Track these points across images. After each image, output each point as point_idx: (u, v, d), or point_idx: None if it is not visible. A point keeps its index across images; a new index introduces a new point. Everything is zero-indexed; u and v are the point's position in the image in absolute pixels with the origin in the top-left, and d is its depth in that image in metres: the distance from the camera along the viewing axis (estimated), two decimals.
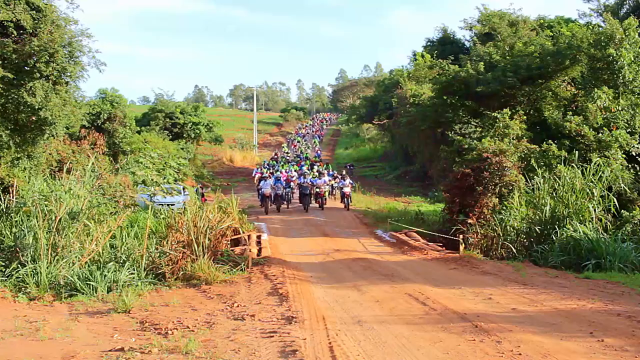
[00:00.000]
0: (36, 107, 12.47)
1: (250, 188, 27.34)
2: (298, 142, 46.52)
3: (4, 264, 8.29)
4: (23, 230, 8.82)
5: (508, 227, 11.92)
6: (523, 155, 14.48)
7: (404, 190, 27.67)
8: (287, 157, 38.19)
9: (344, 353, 4.91)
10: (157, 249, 9.25)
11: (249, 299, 7.44)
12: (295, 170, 28.65)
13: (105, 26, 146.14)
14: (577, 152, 13.41)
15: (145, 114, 36.11)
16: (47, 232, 8.45)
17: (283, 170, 27.32)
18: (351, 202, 21.90)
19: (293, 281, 8.65)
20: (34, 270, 8.10)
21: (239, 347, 5.19)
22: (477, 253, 11.65)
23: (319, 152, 40.69)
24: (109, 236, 9.11)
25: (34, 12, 12.64)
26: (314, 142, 46.91)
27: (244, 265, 9.68)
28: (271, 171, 28.74)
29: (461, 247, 11.82)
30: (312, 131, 59.26)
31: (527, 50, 17.76)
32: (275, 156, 38.47)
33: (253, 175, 29.20)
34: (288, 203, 22.58)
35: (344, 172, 27.10)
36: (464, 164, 14.43)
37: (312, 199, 21.75)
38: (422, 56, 27.94)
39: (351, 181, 23.03)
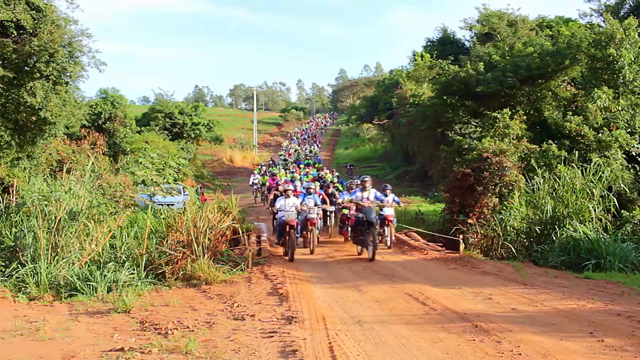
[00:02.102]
0: (36, 107, 12.50)
1: (250, 189, 27.15)
2: (296, 150, 42.33)
3: (4, 264, 8.29)
4: (23, 230, 8.82)
5: (508, 227, 11.92)
6: (523, 155, 14.49)
7: (404, 190, 27.66)
8: (284, 164, 32.64)
9: (344, 353, 4.91)
10: (157, 249, 9.25)
11: (249, 299, 7.44)
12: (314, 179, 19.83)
13: (104, 26, 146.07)
14: (577, 152, 13.41)
15: (145, 114, 36.16)
16: (47, 232, 8.45)
17: (285, 178, 20.33)
18: (395, 236, 13.12)
19: (293, 281, 8.65)
20: (34, 270, 8.10)
21: (239, 347, 5.19)
22: (477, 253, 11.64)
23: (318, 156, 39.04)
24: (108, 236, 9.11)
25: (34, 12, 12.67)
26: (312, 150, 42.87)
27: (244, 265, 9.68)
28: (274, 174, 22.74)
29: (461, 247, 11.82)
30: (309, 136, 55.34)
31: (526, 50, 17.77)
32: (272, 161, 34.04)
33: (250, 184, 25.65)
34: (329, 231, 14.99)
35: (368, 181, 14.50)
36: (464, 164, 14.43)
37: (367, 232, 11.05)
38: (422, 56, 28.00)
39: (396, 197, 13.44)
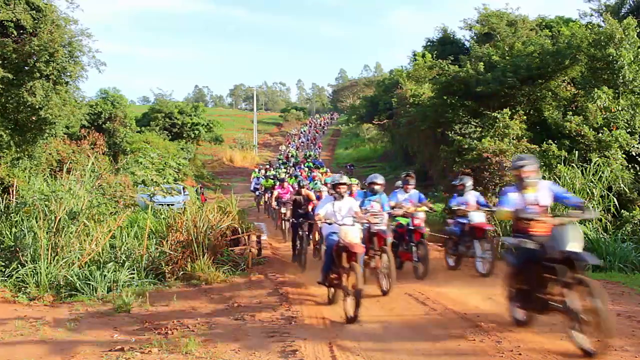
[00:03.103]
0: (36, 107, 12.50)
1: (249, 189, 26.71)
2: (293, 155, 39.77)
3: (4, 264, 8.30)
4: (23, 230, 8.84)
5: (508, 227, 11.91)
6: None
7: None
8: (284, 167, 30.48)
9: (344, 353, 4.91)
10: (157, 249, 9.25)
11: (249, 299, 7.44)
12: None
13: (104, 26, 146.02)
14: (577, 152, 13.41)
15: (145, 114, 36.21)
16: (47, 232, 8.46)
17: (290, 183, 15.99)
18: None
19: (293, 281, 8.65)
20: (34, 270, 8.11)
21: (239, 347, 5.19)
22: None
23: (320, 160, 38.21)
24: (108, 236, 9.12)
25: (34, 12, 12.69)
26: (312, 154, 40.58)
27: (244, 265, 9.69)
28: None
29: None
30: (308, 139, 53.26)
31: (526, 49, 17.78)
32: (269, 164, 32.06)
33: (252, 189, 22.60)
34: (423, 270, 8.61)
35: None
36: (464, 164, 14.42)
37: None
38: (423, 55, 28.00)
39: (480, 197, 9.65)
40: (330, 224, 6.75)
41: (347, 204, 7.08)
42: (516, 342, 5.06)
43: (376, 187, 8.37)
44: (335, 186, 7.13)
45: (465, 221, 9.11)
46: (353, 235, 6.45)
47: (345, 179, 7.25)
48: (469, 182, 9.60)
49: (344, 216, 6.94)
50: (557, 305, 4.92)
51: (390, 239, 8.32)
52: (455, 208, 9.36)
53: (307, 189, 12.12)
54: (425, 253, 8.66)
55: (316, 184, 15.99)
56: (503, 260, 5.71)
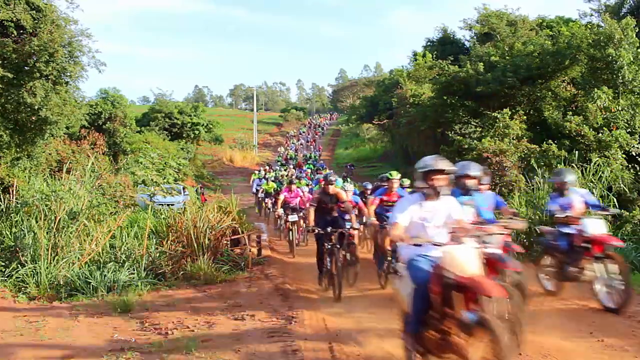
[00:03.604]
0: (36, 107, 12.50)
1: (249, 189, 26.56)
2: (292, 158, 39.27)
3: (4, 264, 8.29)
4: (23, 230, 8.82)
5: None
6: (523, 155, 14.49)
7: None
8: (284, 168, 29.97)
9: (344, 353, 4.91)
10: (157, 249, 9.25)
11: (249, 299, 7.44)
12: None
13: (104, 26, 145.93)
14: (577, 152, 13.40)
15: (145, 114, 36.22)
16: (47, 232, 8.45)
17: (301, 187, 13.83)
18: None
19: (293, 281, 8.65)
20: (34, 270, 8.10)
21: (239, 347, 5.19)
22: None
23: (321, 162, 37.94)
24: (108, 236, 9.11)
25: (34, 12, 12.70)
26: (312, 156, 40.36)
27: (244, 265, 9.68)
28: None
29: None
30: (307, 141, 52.76)
31: (526, 50, 17.81)
32: (268, 166, 30.54)
33: (254, 191, 21.03)
34: None
35: None
36: None
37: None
38: (424, 55, 28.03)
39: (588, 196, 7.24)
40: (419, 245, 3.98)
41: (444, 208, 4.18)
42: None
43: (469, 183, 5.49)
44: (426, 175, 4.12)
45: (572, 231, 6.57)
46: (470, 263, 3.69)
47: (442, 164, 4.12)
48: (570, 177, 6.83)
49: (439, 227, 4.16)
50: None
51: (515, 271, 5.25)
52: (561, 215, 6.65)
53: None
54: (522, 277, 5.51)
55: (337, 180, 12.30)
56: None
